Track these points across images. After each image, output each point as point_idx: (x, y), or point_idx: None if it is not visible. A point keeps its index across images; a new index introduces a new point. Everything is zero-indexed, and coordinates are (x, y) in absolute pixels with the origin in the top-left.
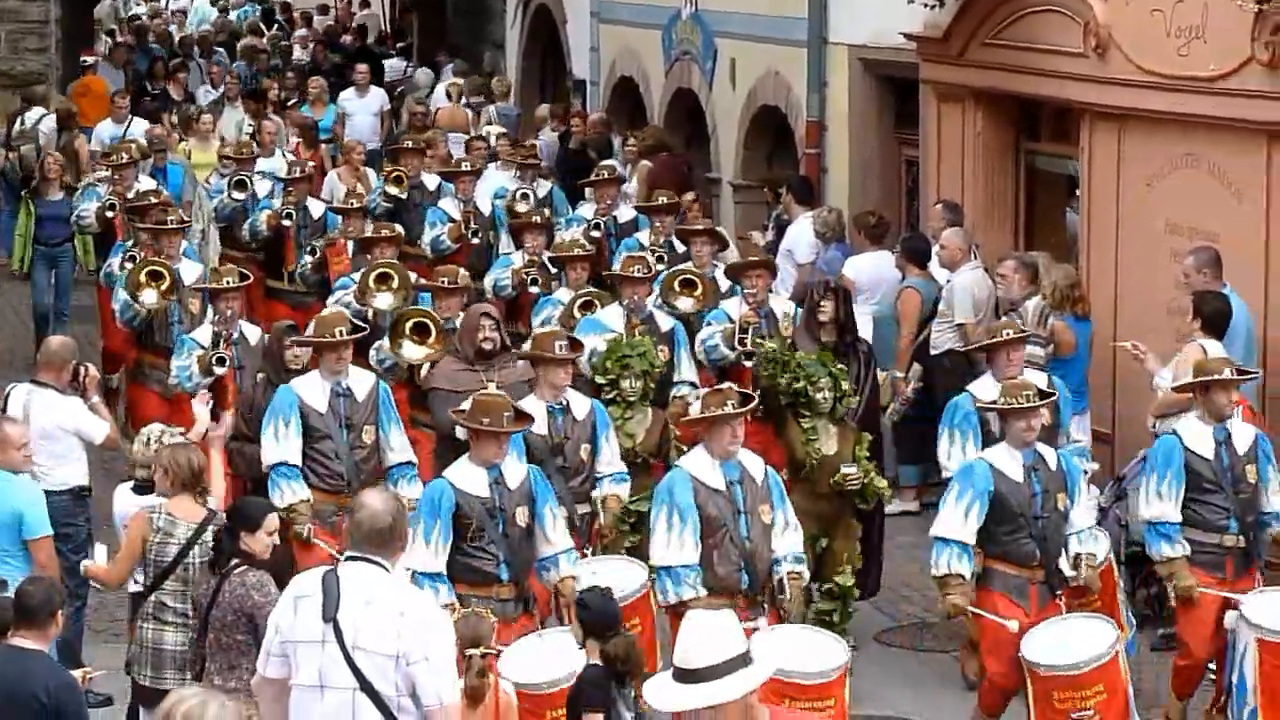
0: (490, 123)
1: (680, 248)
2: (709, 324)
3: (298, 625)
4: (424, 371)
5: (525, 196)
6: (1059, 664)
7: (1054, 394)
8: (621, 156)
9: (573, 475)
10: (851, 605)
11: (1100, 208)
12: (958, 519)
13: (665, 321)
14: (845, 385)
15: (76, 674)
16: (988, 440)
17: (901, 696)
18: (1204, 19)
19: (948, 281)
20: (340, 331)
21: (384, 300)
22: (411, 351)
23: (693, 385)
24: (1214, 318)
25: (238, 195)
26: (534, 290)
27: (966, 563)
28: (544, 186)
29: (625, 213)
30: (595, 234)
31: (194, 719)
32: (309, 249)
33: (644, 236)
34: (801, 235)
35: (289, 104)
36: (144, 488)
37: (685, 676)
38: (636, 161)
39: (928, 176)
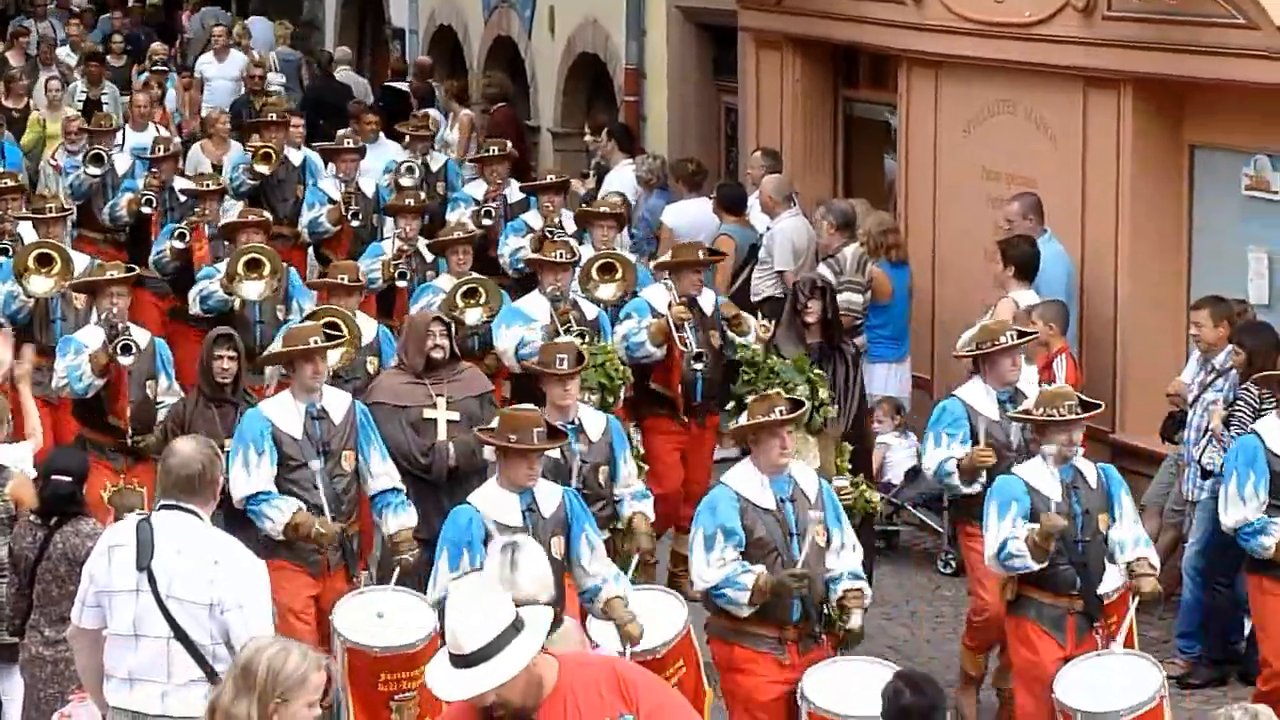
0: (272, 69)
1: (570, 228)
2: (629, 315)
3: (112, 574)
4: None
5: (411, 170)
6: (1096, 711)
7: (1099, 406)
8: (441, 104)
9: (591, 501)
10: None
11: (918, 154)
12: (1005, 534)
13: (590, 310)
14: (823, 393)
15: None
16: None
17: None
18: None
19: (768, 229)
20: (315, 340)
21: (252, 289)
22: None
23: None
24: (1022, 262)
25: (94, 171)
26: (402, 284)
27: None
28: (437, 160)
29: (514, 192)
30: (487, 221)
31: (276, 668)
32: (176, 234)
33: (532, 218)
34: (623, 183)
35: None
36: None
37: (461, 661)
38: (455, 110)
39: (746, 124)
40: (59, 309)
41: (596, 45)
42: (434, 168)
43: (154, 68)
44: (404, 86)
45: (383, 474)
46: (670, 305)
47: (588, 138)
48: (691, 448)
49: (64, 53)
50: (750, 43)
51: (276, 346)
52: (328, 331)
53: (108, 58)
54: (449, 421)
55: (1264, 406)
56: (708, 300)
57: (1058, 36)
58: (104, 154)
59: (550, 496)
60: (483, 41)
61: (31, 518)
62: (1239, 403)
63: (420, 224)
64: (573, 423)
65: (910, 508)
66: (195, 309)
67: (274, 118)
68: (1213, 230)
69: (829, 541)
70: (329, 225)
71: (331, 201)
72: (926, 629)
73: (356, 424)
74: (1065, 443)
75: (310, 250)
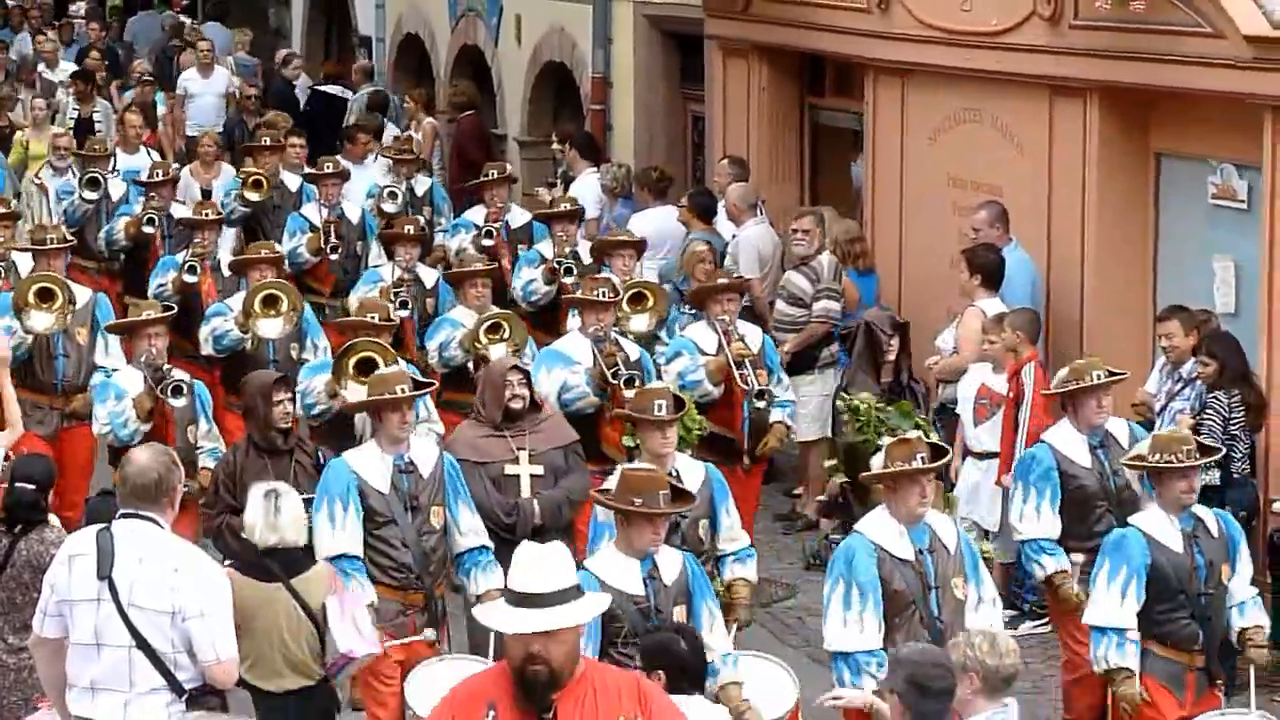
0: (233, 72)
1: (587, 259)
2: (677, 354)
3: (73, 583)
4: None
5: (394, 195)
6: None
7: (1219, 450)
8: (404, 113)
9: None
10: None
11: (884, 162)
12: (1113, 602)
13: (632, 349)
14: (934, 438)
15: None
16: (1069, 502)
17: None
18: None
19: (733, 236)
20: (402, 389)
21: (271, 327)
22: (358, 394)
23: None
24: (988, 271)
25: (90, 195)
26: (403, 314)
27: (1132, 652)
28: (423, 183)
29: (517, 217)
30: (487, 241)
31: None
32: (187, 266)
33: (545, 248)
34: (586, 191)
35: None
36: None
37: (530, 601)
38: (420, 119)
39: (713, 132)
40: (61, 345)
41: (563, 54)
42: (419, 192)
43: (141, 84)
44: (335, 90)
45: (471, 531)
46: (729, 341)
47: (554, 146)
48: (741, 493)
49: (44, 68)
50: (717, 51)
51: (361, 395)
52: (417, 380)
53: (97, 75)
54: (532, 476)
55: (1233, 415)
56: (754, 337)
57: (1024, 45)
58: (100, 177)
59: (671, 562)
60: (449, 49)
61: None
62: (1207, 411)
63: (420, 251)
64: (670, 473)
65: None
66: (207, 349)
67: (268, 141)
68: (1179, 239)
69: (969, 596)
70: (308, 255)
71: (312, 229)
72: None
73: (445, 477)
74: (1184, 490)
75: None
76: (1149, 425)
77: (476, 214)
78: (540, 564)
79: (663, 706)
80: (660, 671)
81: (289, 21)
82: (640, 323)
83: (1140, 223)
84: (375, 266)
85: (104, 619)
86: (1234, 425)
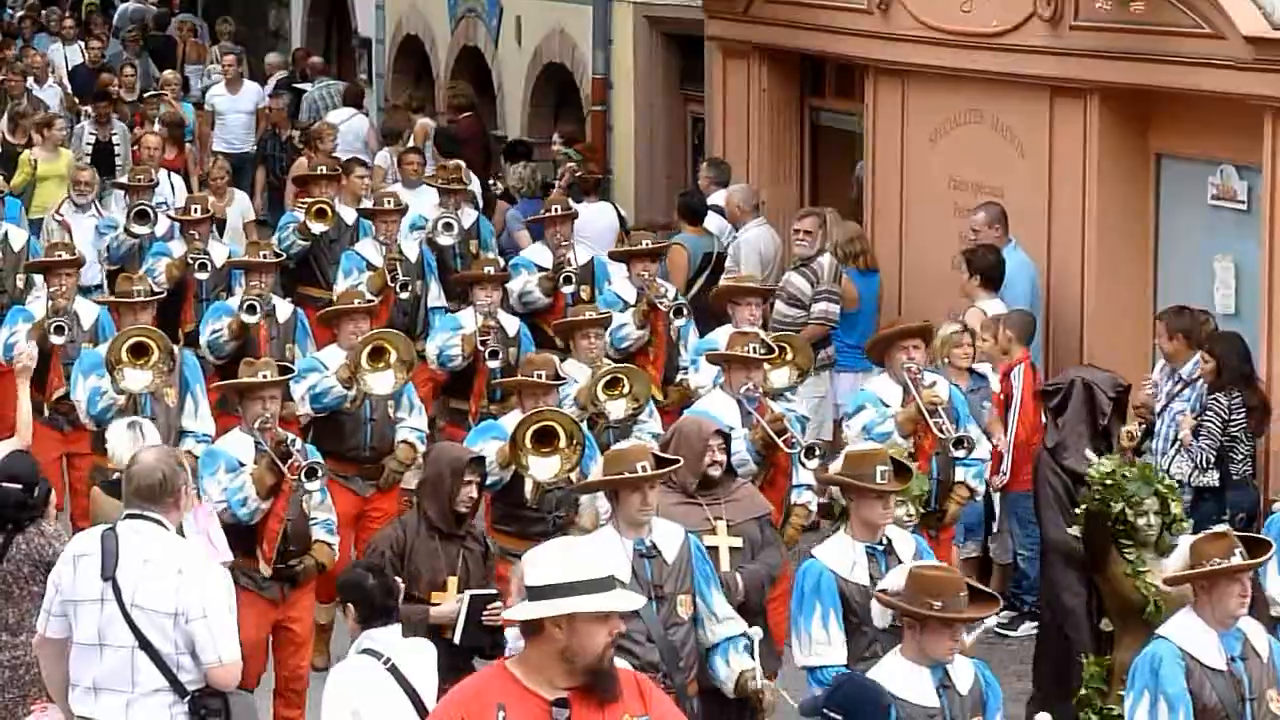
0: (214, 61)
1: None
2: (860, 408)
3: (77, 584)
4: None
5: (449, 227)
6: None
7: (1268, 552)
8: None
9: None
10: None
11: (884, 163)
12: None
13: (776, 405)
14: (1175, 508)
15: None
16: None
17: None
18: None
19: (733, 237)
20: (644, 466)
21: (382, 383)
22: (542, 468)
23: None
24: (988, 272)
25: (138, 230)
26: (493, 364)
27: None
28: (469, 215)
29: (579, 254)
30: (568, 288)
31: None
32: (246, 306)
33: (623, 288)
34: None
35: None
36: None
37: (599, 586)
38: (412, 120)
39: (713, 133)
40: (149, 407)
41: (563, 55)
42: (465, 224)
43: (161, 98)
44: (302, 87)
45: (729, 618)
46: (919, 388)
47: (555, 148)
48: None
49: (33, 83)
50: (717, 52)
51: (596, 474)
52: (659, 456)
53: (121, 92)
54: (731, 549)
55: (1233, 417)
56: (940, 384)
57: (1025, 46)
58: (149, 210)
59: (965, 671)
60: (449, 51)
61: None
62: (1208, 413)
63: (502, 294)
64: (882, 544)
65: None
66: (304, 409)
67: (324, 170)
68: (1179, 239)
69: None
70: (371, 296)
71: (371, 268)
72: None
73: (692, 560)
74: (1237, 603)
75: None
76: (1149, 426)
77: (537, 253)
78: (587, 550)
79: (660, 699)
80: (350, 605)
81: (288, 23)
82: (781, 378)
83: (1140, 223)
84: (447, 310)
85: (107, 619)
86: (1234, 427)
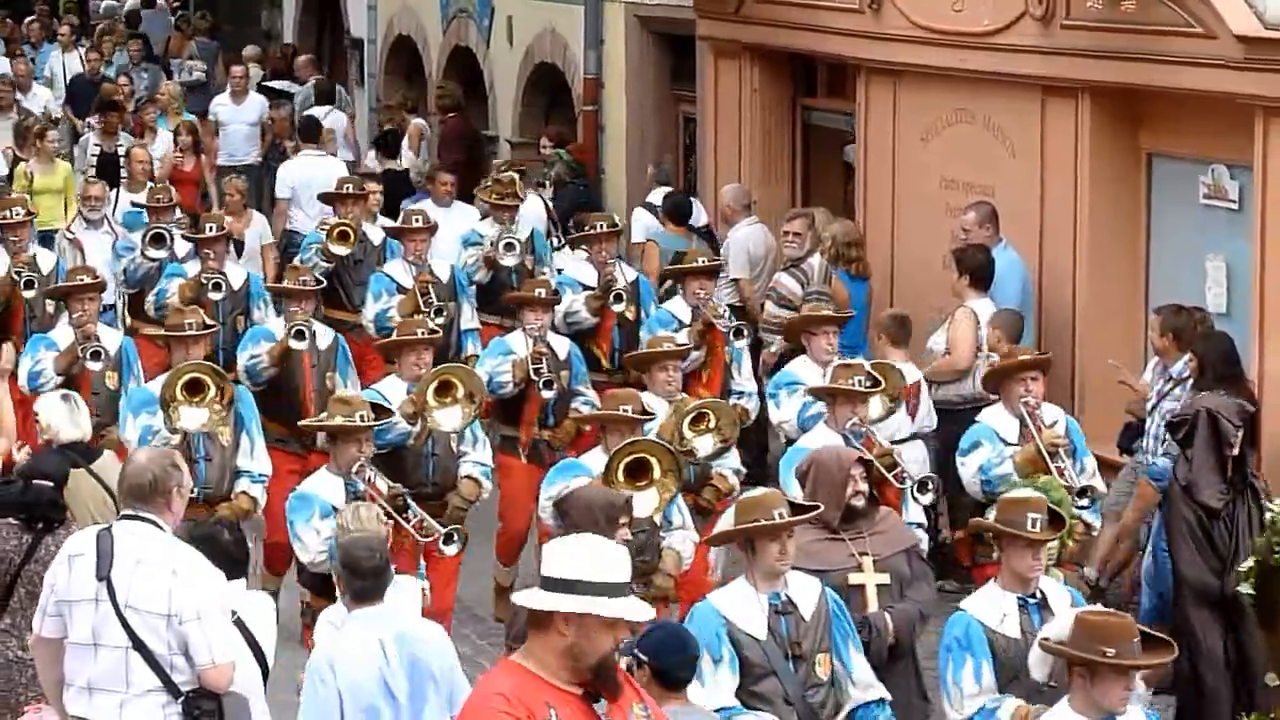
0: (191, 57)
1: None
2: (976, 444)
3: (72, 584)
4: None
5: (511, 246)
6: None
7: None
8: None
9: None
10: None
11: (876, 163)
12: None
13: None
14: None
15: None
16: None
17: None
18: None
19: (725, 237)
20: (780, 514)
21: (450, 418)
22: (641, 503)
23: None
24: (977, 271)
25: (155, 254)
26: (548, 394)
27: None
28: (523, 229)
29: (625, 271)
30: (618, 306)
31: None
32: (294, 331)
33: (677, 307)
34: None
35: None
36: None
37: (612, 590)
38: (404, 120)
39: (705, 133)
40: (203, 447)
41: (555, 55)
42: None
43: (176, 113)
44: (283, 86)
45: (866, 683)
46: (1039, 427)
47: (544, 149)
48: None
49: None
50: (709, 52)
51: (728, 523)
52: (795, 504)
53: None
54: (879, 586)
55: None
56: (1058, 419)
57: (1016, 45)
58: (166, 232)
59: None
60: (441, 51)
61: (13, 521)
62: None
63: (551, 318)
64: (1034, 596)
65: None
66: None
67: (349, 189)
68: (1170, 239)
69: None
70: (401, 319)
71: (401, 290)
72: None
73: (831, 617)
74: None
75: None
76: (1140, 424)
77: (581, 271)
78: (611, 553)
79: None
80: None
81: (280, 23)
82: (875, 408)
83: (1132, 223)
84: (499, 334)
85: (101, 620)
86: None
